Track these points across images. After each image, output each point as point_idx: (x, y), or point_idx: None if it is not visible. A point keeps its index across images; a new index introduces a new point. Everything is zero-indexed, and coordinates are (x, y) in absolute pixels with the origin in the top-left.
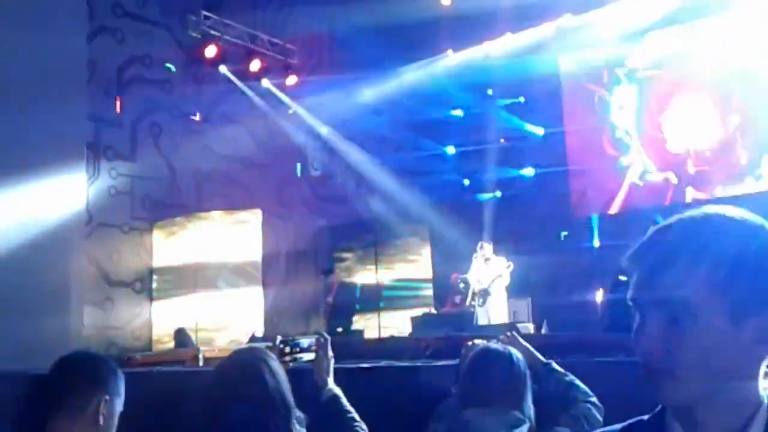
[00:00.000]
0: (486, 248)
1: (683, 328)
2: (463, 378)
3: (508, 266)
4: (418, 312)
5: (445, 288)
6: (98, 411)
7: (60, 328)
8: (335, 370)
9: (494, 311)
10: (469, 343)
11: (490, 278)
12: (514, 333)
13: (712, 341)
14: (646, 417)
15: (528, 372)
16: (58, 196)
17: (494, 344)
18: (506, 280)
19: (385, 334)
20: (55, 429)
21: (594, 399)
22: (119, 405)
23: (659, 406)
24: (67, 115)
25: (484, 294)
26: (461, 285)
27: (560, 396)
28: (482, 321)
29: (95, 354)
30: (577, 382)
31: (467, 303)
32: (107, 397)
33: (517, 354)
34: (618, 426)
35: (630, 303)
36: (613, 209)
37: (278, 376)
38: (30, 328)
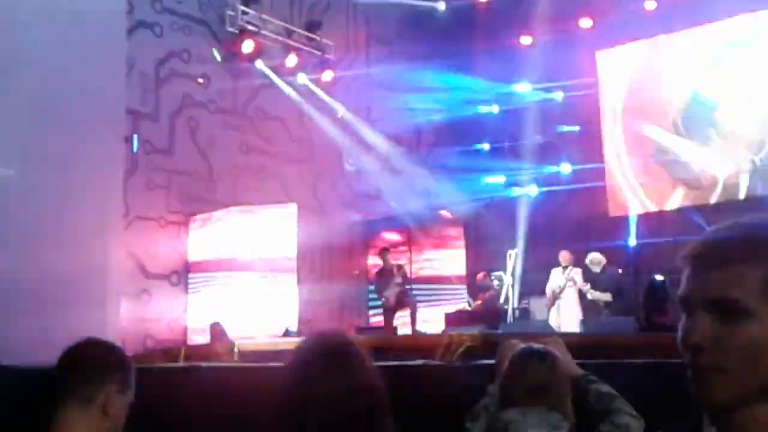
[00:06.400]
0: (565, 257)
1: (736, 327)
2: (503, 377)
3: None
4: (452, 308)
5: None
6: (108, 401)
7: (97, 320)
8: None
9: (568, 311)
10: (507, 342)
11: (563, 283)
12: (557, 338)
13: (764, 340)
14: (683, 423)
15: (568, 373)
16: (96, 188)
17: (534, 344)
18: (578, 283)
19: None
20: (63, 420)
21: (635, 413)
22: (130, 396)
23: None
24: (105, 108)
25: (555, 297)
26: (495, 282)
27: (600, 407)
28: (552, 321)
29: (106, 342)
30: (617, 394)
31: (500, 300)
32: (117, 388)
33: (557, 355)
34: None
35: (680, 301)
36: (651, 207)
37: (371, 368)
38: (67, 319)
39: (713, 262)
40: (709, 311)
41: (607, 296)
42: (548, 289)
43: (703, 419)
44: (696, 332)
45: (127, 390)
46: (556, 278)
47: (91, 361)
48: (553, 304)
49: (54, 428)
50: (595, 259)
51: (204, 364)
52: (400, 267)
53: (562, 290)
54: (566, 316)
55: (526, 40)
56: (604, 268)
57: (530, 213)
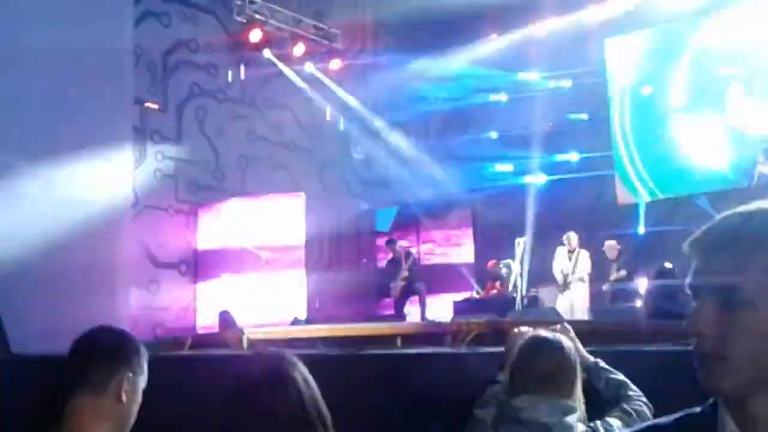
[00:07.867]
0: (572, 239)
1: (738, 314)
2: (513, 365)
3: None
4: (460, 296)
5: (487, 273)
6: (120, 388)
7: (106, 309)
8: (377, 356)
9: (576, 299)
10: (516, 330)
11: (572, 268)
12: (566, 325)
13: (765, 329)
14: (698, 409)
15: (578, 360)
16: (106, 178)
17: (544, 332)
18: (586, 269)
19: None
20: (76, 407)
21: (644, 399)
22: (142, 382)
23: (711, 399)
24: (113, 99)
25: (566, 283)
26: (503, 270)
27: (610, 394)
28: (561, 308)
29: (117, 329)
30: (628, 381)
31: (509, 288)
32: (130, 374)
33: (567, 343)
34: (669, 418)
35: (688, 289)
36: (660, 195)
37: (311, 384)
38: (77, 308)
39: (716, 250)
40: (713, 299)
41: (622, 273)
42: (556, 271)
43: (717, 407)
44: (698, 320)
45: (139, 376)
46: (563, 260)
47: (103, 349)
48: (564, 288)
49: (67, 416)
50: (610, 245)
51: (213, 352)
52: (408, 255)
53: (570, 281)
54: (575, 304)
55: (534, 27)
56: (618, 254)
57: (539, 201)
